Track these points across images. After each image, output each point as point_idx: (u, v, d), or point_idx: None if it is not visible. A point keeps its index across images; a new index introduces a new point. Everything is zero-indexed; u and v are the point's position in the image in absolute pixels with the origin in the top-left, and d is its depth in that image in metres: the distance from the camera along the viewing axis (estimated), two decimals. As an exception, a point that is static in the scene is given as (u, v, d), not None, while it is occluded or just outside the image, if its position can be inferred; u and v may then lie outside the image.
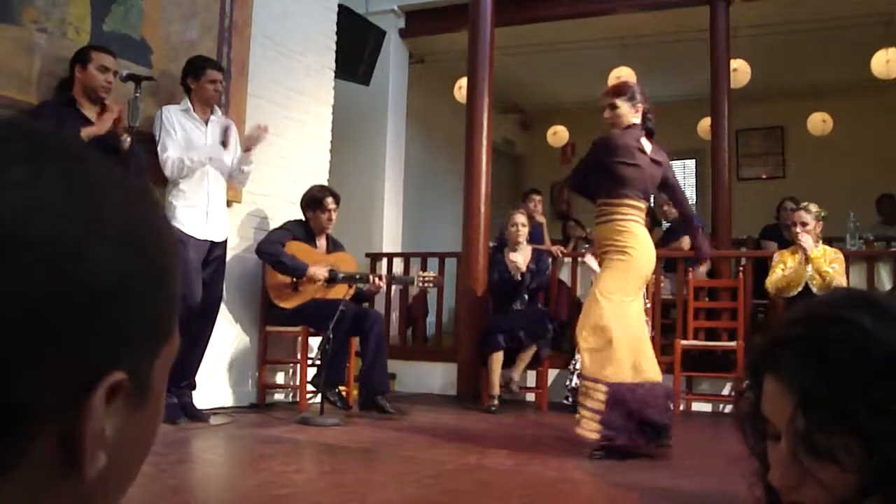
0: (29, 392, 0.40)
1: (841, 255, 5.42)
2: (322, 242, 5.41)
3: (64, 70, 4.12)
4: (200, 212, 4.57)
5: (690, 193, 10.72)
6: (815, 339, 0.71)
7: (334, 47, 6.26)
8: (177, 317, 0.51)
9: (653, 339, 6.01)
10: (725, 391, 6.02)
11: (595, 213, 4.05)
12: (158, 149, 4.49)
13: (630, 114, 3.99)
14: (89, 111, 4.03)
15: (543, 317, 5.77)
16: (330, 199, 5.33)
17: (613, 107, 4.02)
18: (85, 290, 0.42)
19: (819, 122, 9.17)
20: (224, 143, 4.59)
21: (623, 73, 8.07)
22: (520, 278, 5.81)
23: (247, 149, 4.74)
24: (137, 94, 4.09)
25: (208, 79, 4.60)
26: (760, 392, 0.76)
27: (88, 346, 0.43)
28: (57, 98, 4.06)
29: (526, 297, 5.89)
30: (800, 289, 5.29)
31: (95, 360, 0.43)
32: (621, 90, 4.07)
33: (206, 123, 4.67)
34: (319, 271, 5.14)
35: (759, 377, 0.76)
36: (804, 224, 5.32)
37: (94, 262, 0.43)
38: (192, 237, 4.49)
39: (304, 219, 5.40)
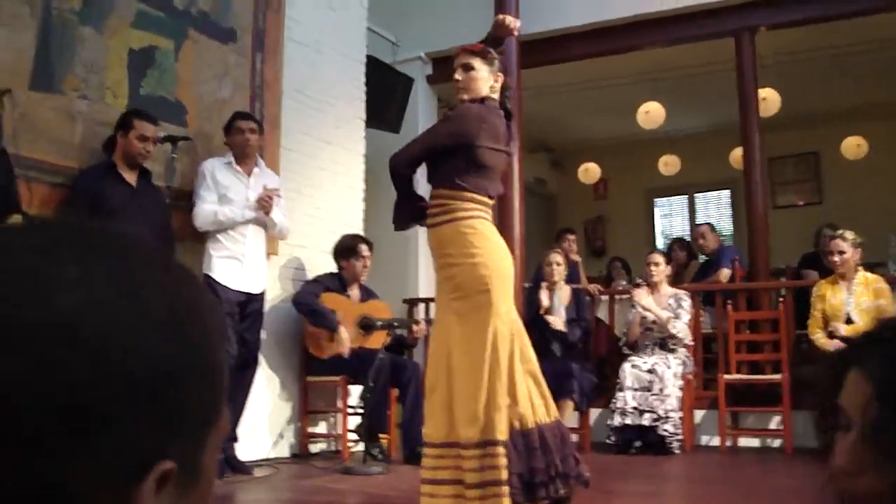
0: (79, 482, 0.43)
1: (884, 282, 5.34)
2: (355, 292, 5.45)
3: (104, 133, 4.23)
4: (237, 263, 4.64)
5: (726, 224, 10.65)
6: None
7: (364, 97, 6.37)
8: (224, 398, 0.53)
9: (695, 374, 5.97)
10: (773, 425, 5.91)
11: (431, 209, 3.19)
12: (194, 200, 4.59)
13: (488, 80, 3.20)
14: (128, 175, 4.14)
15: (570, 372, 5.57)
16: (364, 247, 5.39)
17: (468, 67, 3.20)
18: (133, 382, 0.45)
19: (854, 145, 9.10)
20: (263, 208, 4.62)
21: (651, 108, 8.12)
22: (558, 328, 5.77)
23: (265, 212, 4.71)
24: (174, 155, 4.19)
25: (237, 129, 4.71)
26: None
27: (136, 437, 0.45)
28: (100, 160, 4.17)
29: (563, 336, 5.85)
30: (843, 321, 5.21)
31: (143, 449, 0.45)
32: (481, 51, 3.24)
33: (249, 176, 4.75)
34: (345, 338, 5.10)
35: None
36: (842, 252, 5.26)
37: (141, 354, 0.46)
38: (227, 288, 4.55)
39: (336, 270, 5.45)
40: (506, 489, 2.86)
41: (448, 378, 3.04)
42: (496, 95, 3.24)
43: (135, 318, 0.46)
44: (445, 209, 3.11)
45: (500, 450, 2.89)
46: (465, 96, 3.19)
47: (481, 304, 3.02)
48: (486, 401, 2.94)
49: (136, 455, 0.45)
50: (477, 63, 3.20)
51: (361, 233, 5.92)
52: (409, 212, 3.30)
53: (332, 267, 5.50)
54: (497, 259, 3.09)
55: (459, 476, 2.94)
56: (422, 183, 3.34)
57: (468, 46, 3.25)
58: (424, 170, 3.29)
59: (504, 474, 2.87)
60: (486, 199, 3.15)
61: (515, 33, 3.38)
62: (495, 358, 2.98)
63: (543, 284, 5.96)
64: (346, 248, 5.40)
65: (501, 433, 2.91)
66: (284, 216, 4.89)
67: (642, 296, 5.83)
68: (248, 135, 4.70)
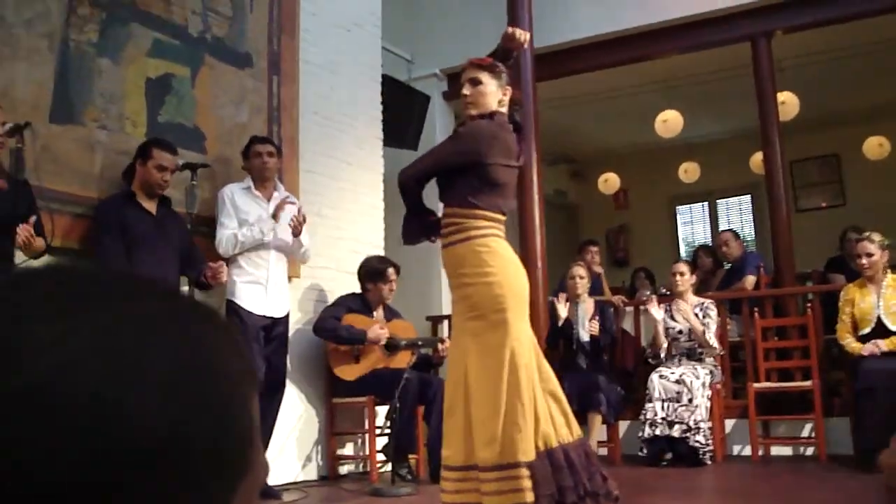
0: None
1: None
2: (379, 312, 5.44)
3: (125, 163, 4.25)
4: (260, 288, 4.65)
5: (748, 230, 10.55)
6: None
7: (381, 117, 6.38)
8: (255, 447, 0.48)
9: (724, 383, 5.90)
10: (805, 433, 5.82)
11: (444, 228, 3.17)
12: (216, 227, 4.61)
13: (496, 95, 3.15)
14: (148, 203, 4.15)
15: (596, 385, 5.52)
16: (391, 271, 5.38)
17: (476, 82, 3.15)
18: (129, 451, 0.40)
19: (875, 146, 9.00)
20: (275, 216, 4.63)
21: (669, 117, 8.08)
22: (594, 333, 5.73)
23: (295, 234, 4.72)
24: (194, 182, 4.21)
25: (254, 153, 4.74)
26: None
27: None
28: (120, 189, 4.19)
29: (588, 349, 5.80)
30: (872, 325, 5.13)
31: None
32: (489, 65, 3.18)
33: (269, 200, 4.76)
34: (378, 331, 5.14)
35: None
36: (869, 255, 5.18)
37: (138, 419, 0.41)
38: (251, 313, 4.56)
39: (359, 291, 5.45)
40: None
41: (465, 400, 3.01)
42: (505, 109, 3.18)
43: (127, 378, 0.41)
44: (459, 228, 3.08)
45: (524, 472, 2.83)
46: (474, 111, 3.16)
47: (497, 324, 2.98)
48: (504, 422, 2.89)
49: None
50: (485, 77, 3.14)
51: (383, 251, 5.93)
52: (419, 226, 3.29)
53: (354, 287, 5.50)
54: (512, 277, 3.05)
55: (480, 500, 2.89)
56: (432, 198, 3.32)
57: (475, 60, 3.22)
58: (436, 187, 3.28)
59: (528, 497, 2.81)
60: (499, 216, 3.11)
61: (524, 46, 3.36)
62: (514, 378, 2.92)
63: (561, 296, 5.92)
64: (373, 272, 5.39)
65: (524, 454, 2.85)
66: (307, 240, 4.90)
67: (655, 309, 5.78)
68: (265, 158, 4.72)
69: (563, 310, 5.81)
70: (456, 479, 2.98)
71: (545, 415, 2.98)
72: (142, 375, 0.42)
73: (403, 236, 3.34)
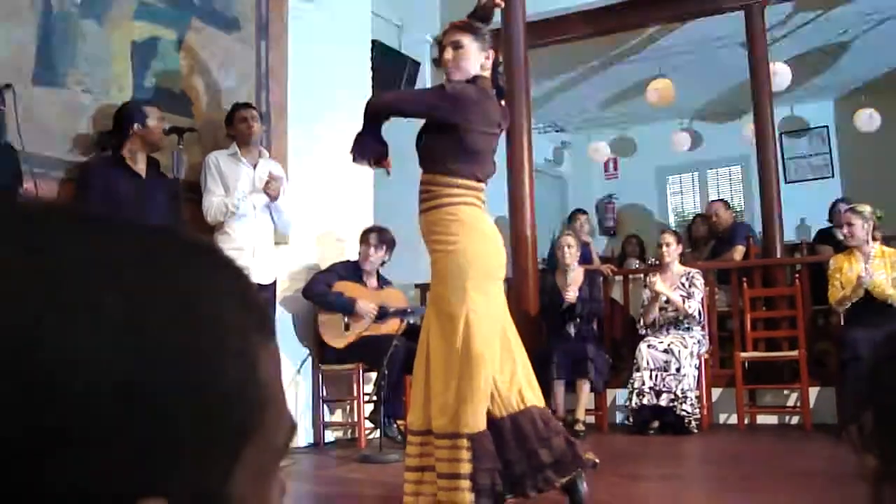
0: None
1: (900, 255, 5.26)
2: (372, 281, 5.45)
3: (111, 127, 4.19)
4: (247, 254, 4.60)
5: (738, 201, 10.54)
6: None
7: (370, 83, 6.31)
8: (267, 407, 0.42)
9: (711, 352, 5.92)
10: (791, 402, 5.87)
11: (421, 194, 3.08)
12: (203, 194, 4.57)
13: (478, 58, 3.06)
14: (138, 167, 4.10)
15: (585, 353, 5.55)
16: (373, 235, 5.39)
17: (457, 45, 3.05)
18: (65, 406, 0.34)
19: (866, 117, 8.98)
20: (268, 194, 4.60)
21: (661, 86, 8.03)
22: (570, 300, 5.73)
23: (271, 198, 4.67)
24: (180, 146, 4.16)
25: (239, 118, 4.71)
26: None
27: (91, 473, 0.35)
28: (107, 156, 4.13)
29: (578, 319, 5.82)
30: (861, 295, 5.15)
31: (110, 486, 0.36)
32: (471, 27, 3.09)
33: (255, 166, 4.73)
34: (368, 306, 5.15)
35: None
36: (850, 225, 5.19)
37: (75, 369, 0.35)
38: None
39: (355, 259, 5.48)
40: (465, 483, 2.78)
41: (426, 367, 2.98)
42: (487, 74, 3.09)
43: (70, 322, 0.35)
44: (432, 195, 3.01)
45: (464, 443, 2.82)
46: (457, 75, 3.06)
47: (455, 292, 2.91)
48: (455, 392, 2.86)
49: (102, 494, 0.35)
50: (466, 40, 3.04)
51: (372, 218, 5.91)
52: (371, 148, 3.19)
53: (342, 254, 5.49)
54: (476, 246, 2.96)
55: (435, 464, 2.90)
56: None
57: (457, 23, 3.14)
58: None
59: (464, 468, 2.79)
60: (473, 184, 3.01)
61: (501, 4, 3.30)
62: (467, 349, 2.87)
63: (557, 271, 5.89)
64: (362, 234, 5.46)
65: (466, 426, 2.82)
66: (288, 208, 4.85)
67: (657, 282, 5.71)
68: (251, 122, 4.70)
69: (572, 294, 5.79)
70: (418, 444, 2.98)
71: (504, 387, 2.95)
72: (92, 319, 0.36)
73: (353, 152, 3.24)
